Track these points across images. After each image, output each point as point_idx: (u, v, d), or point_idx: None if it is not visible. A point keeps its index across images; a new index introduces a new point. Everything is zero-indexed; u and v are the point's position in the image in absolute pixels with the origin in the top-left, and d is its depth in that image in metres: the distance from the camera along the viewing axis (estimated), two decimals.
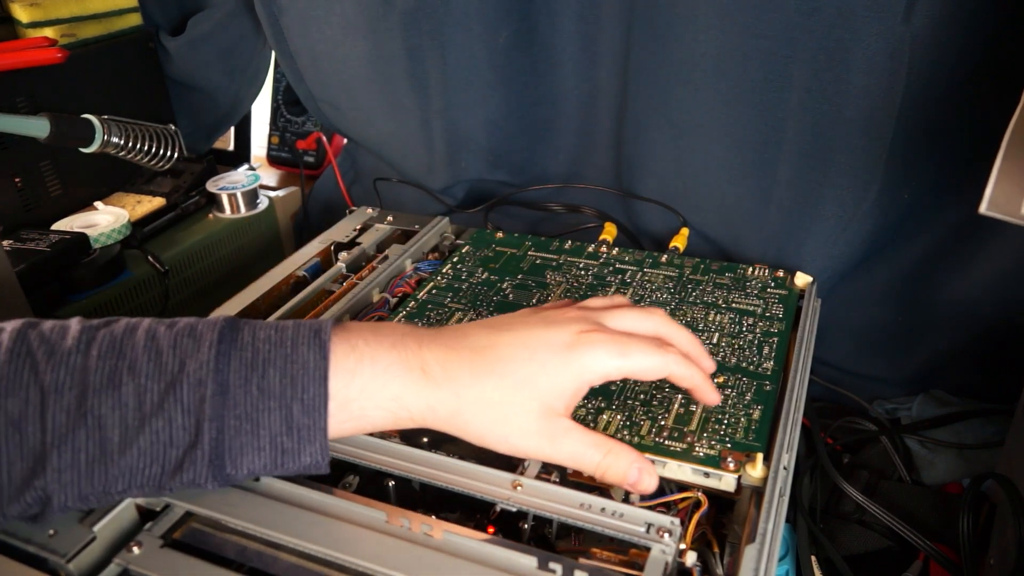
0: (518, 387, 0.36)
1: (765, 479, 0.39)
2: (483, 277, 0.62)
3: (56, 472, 0.30)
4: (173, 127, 0.75)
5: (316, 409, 0.33)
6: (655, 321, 0.42)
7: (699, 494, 0.41)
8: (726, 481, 0.40)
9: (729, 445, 0.42)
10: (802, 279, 0.59)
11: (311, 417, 0.33)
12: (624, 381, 0.47)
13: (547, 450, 0.37)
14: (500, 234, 0.69)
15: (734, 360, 0.50)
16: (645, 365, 0.39)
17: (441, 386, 0.36)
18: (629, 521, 0.37)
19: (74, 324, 0.33)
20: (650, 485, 0.39)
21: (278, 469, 0.34)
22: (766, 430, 0.43)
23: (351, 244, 0.70)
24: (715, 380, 0.46)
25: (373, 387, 0.35)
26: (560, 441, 0.37)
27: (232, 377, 0.32)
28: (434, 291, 0.60)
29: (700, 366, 0.42)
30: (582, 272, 0.62)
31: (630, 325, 0.40)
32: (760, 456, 0.40)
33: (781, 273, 0.60)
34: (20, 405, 0.30)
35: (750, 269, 0.61)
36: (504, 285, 0.61)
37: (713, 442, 0.42)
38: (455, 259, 0.65)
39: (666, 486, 0.45)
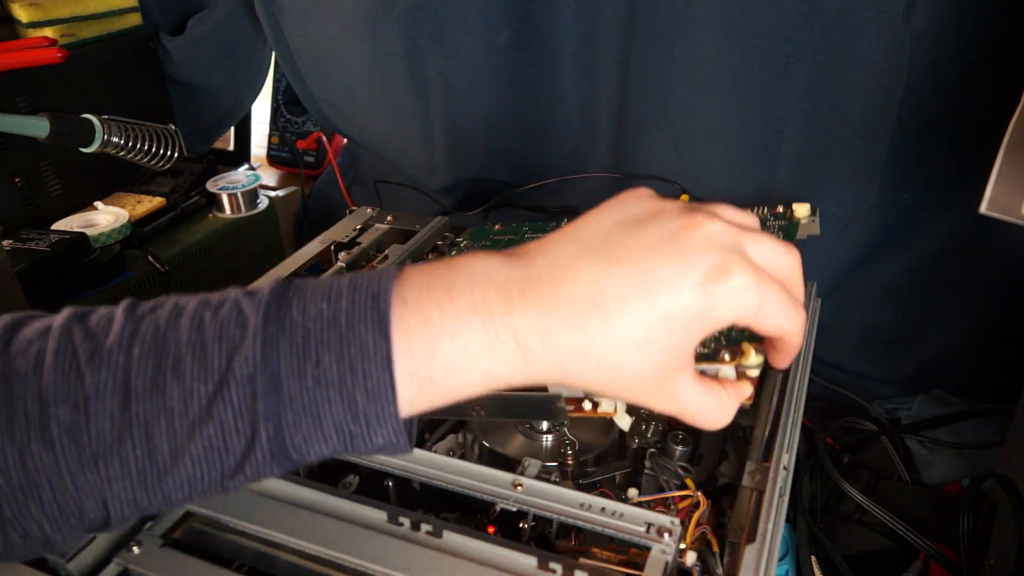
0: (634, 350, 0.30)
1: (762, 367, 0.36)
2: None
3: (107, 482, 0.28)
4: (173, 127, 0.75)
5: (383, 395, 0.29)
6: (793, 263, 0.33)
7: (699, 494, 0.41)
8: (724, 372, 0.37)
9: (723, 342, 0.39)
10: (801, 209, 0.56)
11: (378, 404, 0.29)
12: None
13: (661, 408, 0.33)
14: (498, 226, 0.69)
15: None
16: (776, 321, 0.32)
17: (540, 359, 0.30)
18: (629, 521, 0.37)
19: (120, 313, 0.30)
20: None
21: (351, 452, 0.31)
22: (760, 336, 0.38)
23: (351, 244, 0.70)
24: None
25: (457, 366, 0.29)
26: (676, 400, 0.32)
27: (283, 368, 0.28)
28: None
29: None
30: None
31: (769, 260, 0.32)
32: (751, 346, 0.36)
33: (780, 208, 0.58)
34: (71, 413, 0.28)
35: (750, 209, 0.57)
36: None
37: (704, 342, 0.37)
38: (453, 253, 0.65)
39: (666, 485, 0.45)
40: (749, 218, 0.34)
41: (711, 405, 0.33)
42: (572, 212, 0.77)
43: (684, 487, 0.43)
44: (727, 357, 0.36)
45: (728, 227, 0.31)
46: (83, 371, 0.28)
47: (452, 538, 0.37)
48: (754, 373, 0.35)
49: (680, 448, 0.49)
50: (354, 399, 0.29)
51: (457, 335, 0.29)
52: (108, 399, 0.28)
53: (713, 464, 0.51)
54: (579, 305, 0.30)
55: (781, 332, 0.33)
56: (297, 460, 0.30)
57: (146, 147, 0.73)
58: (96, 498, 0.29)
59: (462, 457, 0.42)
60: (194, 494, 0.30)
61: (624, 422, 0.40)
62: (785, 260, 0.33)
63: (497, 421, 0.53)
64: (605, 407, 0.39)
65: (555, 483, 0.40)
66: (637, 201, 0.33)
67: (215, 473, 0.29)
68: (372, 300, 0.29)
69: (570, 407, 0.40)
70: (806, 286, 0.60)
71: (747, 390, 0.34)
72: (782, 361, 0.36)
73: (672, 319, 0.30)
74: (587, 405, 0.40)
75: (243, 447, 0.29)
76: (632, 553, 0.38)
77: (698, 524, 0.39)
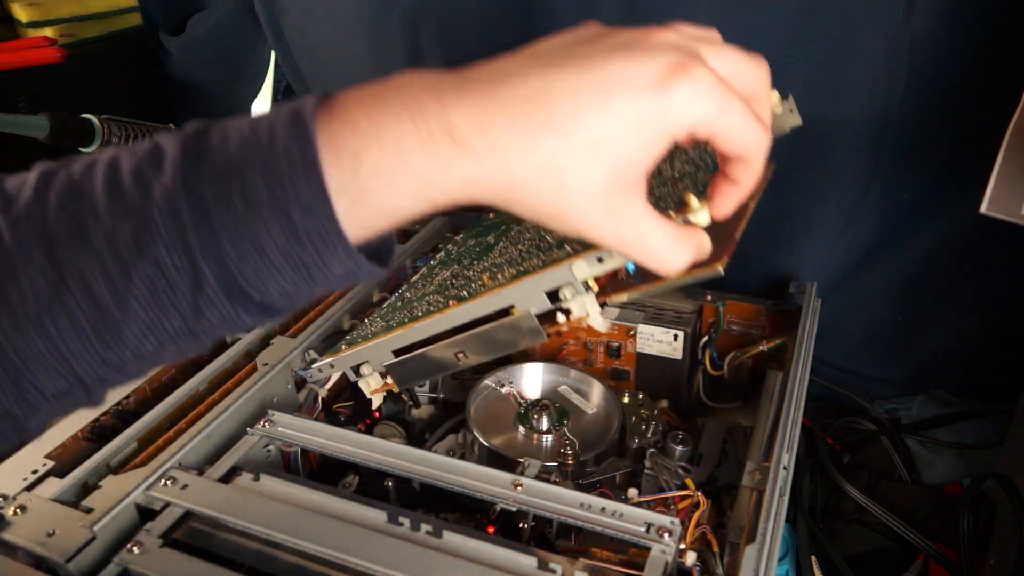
0: (583, 151, 0.28)
1: (707, 214, 0.34)
2: (471, 243, 0.59)
3: (62, 341, 0.27)
4: (173, 127, 0.75)
5: (317, 207, 0.26)
6: (760, 75, 0.31)
7: (699, 494, 0.41)
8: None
9: (671, 207, 0.36)
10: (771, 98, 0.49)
11: (315, 218, 0.26)
12: None
13: (612, 237, 0.30)
14: (492, 215, 0.68)
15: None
16: (737, 133, 0.29)
17: (480, 157, 0.28)
18: (629, 521, 0.37)
19: (33, 172, 0.29)
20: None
21: (316, 286, 0.28)
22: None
23: None
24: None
25: (388, 170, 0.27)
26: (629, 225, 0.30)
27: (208, 194, 0.26)
28: (426, 271, 0.59)
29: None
30: None
31: (733, 72, 0.30)
32: (690, 195, 0.34)
33: None
34: None
35: None
36: (491, 238, 0.56)
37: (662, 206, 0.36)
38: (449, 245, 0.64)
39: (666, 485, 0.45)
40: (710, 32, 0.32)
41: (667, 233, 0.31)
42: None
43: (684, 487, 0.43)
44: (672, 214, 0.34)
45: (685, 36, 0.30)
46: (1, 229, 0.27)
47: (452, 538, 0.37)
48: (700, 220, 0.34)
49: (680, 448, 0.49)
50: (289, 216, 0.26)
51: (385, 135, 0.27)
52: (33, 252, 0.27)
53: (713, 464, 0.51)
54: (525, 103, 0.28)
55: (742, 149, 0.30)
56: (261, 300, 0.28)
57: None
58: (50, 368, 0.27)
59: (462, 457, 0.42)
60: (167, 345, 0.28)
61: (599, 324, 0.38)
62: (751, 72, 0.31)
63: (484, 373, 0.52)
64: (576, 311, 0.38)
65: (555, 483, 0.40)
66: (589, 26, 0.32)
67: (174, 318, 0.27)
68: (294, 115, 0.27)
69: (545, 324, 0.39)
70: (806, 286, 0.60)
71: (705, 239, 0.33)
72: (736, 194, 0.34)
73: (626, 118, 0.28)
74: (560, 318, 0.39)
75: (189, 284, 0.27)
76: (632, 553, 0.38)
77: (698, 524, 0.39)
